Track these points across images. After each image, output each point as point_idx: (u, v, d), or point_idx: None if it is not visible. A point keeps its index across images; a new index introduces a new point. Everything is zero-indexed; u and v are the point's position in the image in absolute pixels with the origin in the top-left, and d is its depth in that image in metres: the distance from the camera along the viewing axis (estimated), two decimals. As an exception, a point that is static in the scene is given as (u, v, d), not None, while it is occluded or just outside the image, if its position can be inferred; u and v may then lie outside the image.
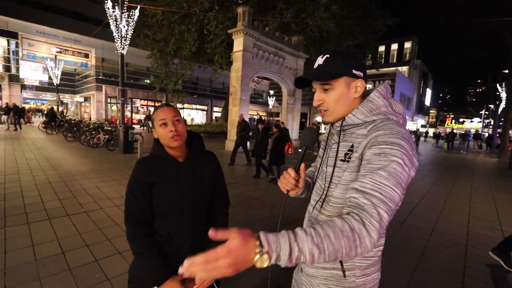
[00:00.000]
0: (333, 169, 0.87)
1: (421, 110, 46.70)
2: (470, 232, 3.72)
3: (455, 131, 21.95)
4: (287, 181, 0.93)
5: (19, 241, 2.72)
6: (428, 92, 51.07)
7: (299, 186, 0.95)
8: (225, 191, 1.28)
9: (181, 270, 0.51)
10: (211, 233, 0.53)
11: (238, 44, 10.60)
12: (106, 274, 2.24)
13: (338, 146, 0.87)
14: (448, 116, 79.32)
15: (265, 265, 0.54)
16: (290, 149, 10.45)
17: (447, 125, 57.91)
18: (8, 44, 20.66)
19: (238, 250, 0.51)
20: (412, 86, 38.69)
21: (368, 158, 0.72)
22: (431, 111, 60.82)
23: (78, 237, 2.88)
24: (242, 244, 0.52)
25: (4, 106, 15.71)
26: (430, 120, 59.75)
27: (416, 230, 3.69)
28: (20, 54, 21.28)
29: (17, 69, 21.17)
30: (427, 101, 51.23)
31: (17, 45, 21.01)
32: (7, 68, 20.71)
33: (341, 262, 0.83)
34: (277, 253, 0.54)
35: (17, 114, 14.75)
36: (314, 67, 0.86)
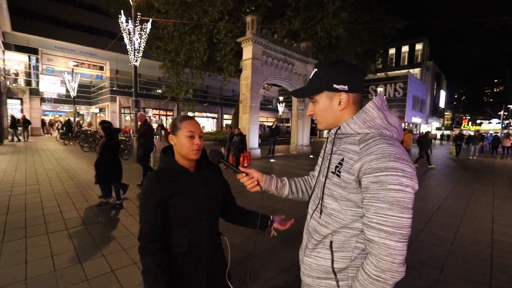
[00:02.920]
0: (325, 179, 0.91)
1: (436, 112, 45.52)
2: (495, 241, 3.54)
3: (465, 132, 19.06)
4: (247, 183, 1.08)
5: (39, 251, 2.80)
6: (442, 93, 49.80)
7: (260, 183, 1.10)
8: (230, 190, 1.38)
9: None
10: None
11: (247, 52, 10.73)
12: (122, 285, 2.25)
13: (330, 157, 0.91)
14: (464, 117, 76.80)
15: None
16: (246, 161, 8.24)
17: (463, 127, 56.06)
18: (29, 60, 21.73)
19: None
20: (425, 88, 37.85)
21: (366, 186, 0.76)
22: (446, 113, 59.24)
23: (94, 248, 2.93)
24: None
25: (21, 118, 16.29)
26: (446, 122, 58.10)
27: (436, 238, 3.55)
28: (40, 69, 22.30)
29: (37, 83, 22.17)
30: (442, 103, 49.92)
31: (37, 60, 22.06)
32: (28, 83, 21.74)
33: (334, 273, 0.86)
34: None
35: (15, 126, 14.94)
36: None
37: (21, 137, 15.30)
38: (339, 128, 0.89)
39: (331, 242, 0.87)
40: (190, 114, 25.74)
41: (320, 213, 0.91)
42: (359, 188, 0.79)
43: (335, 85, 0.85)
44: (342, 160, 0.84)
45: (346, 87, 0.85)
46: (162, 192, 1.04)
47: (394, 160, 0.72)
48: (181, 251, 1.07)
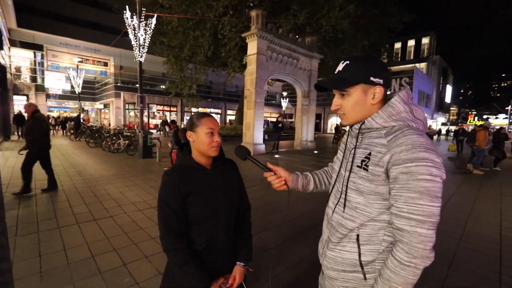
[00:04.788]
0: (349, 173, 0.90)
1: (441, 107, 44.94)
2: (503, 237, 3.52)
3: (466, 128, 15.47)
4: (275, 182, 1.05)
5: (52, 245, 2.85)
6: (448, 88, 49.07)
7: (288, 182, 1.07)
8: (246, 196, 1.32)
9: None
10: None
11: (252, 47, 10.66)
12: (135, 278, 2.30)
13: (355, 152, 0.90)
14: (470, 113, 75.70)
15: None
16: None
17: (469, 122, 55.27)
18: (35, 56, 21.91)
19: None
20: (431, 83, 37.34)
21: (396, 176, 0.76)
22: (451, 108, 58.41)
23: (106, 241, 2.98)
24: None
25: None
26: (451, 117, 57.37)
27: (444, 234, 3.54)
28: (45, 65, 22.48)
29: (43, 79, 22.37)
30: (448, 98, 49.21)
31: (42, 56, 22.23)
32: (33, 79, 21.94)
33: (361, 266, 0.86)
34: None
35: (19, 123, 14.38)
36: (335, 72, 0.91)
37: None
38: (363, 123, 0.87)
39: (357, 235, 0.87)
40: (193, 109, 25.81)
41: (344, 207, 0.91)
42: (387, 180, 0.79)
43: (372, 78, 0.83)
44: (369, 154, 0.84)
45: (381, 81, 0.84)
46: (181, 188, 1.05)
47: (424, 151, 0.73)
48: (199, 249, 1.08)
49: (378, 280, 0.81)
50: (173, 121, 8.31)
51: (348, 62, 0.87)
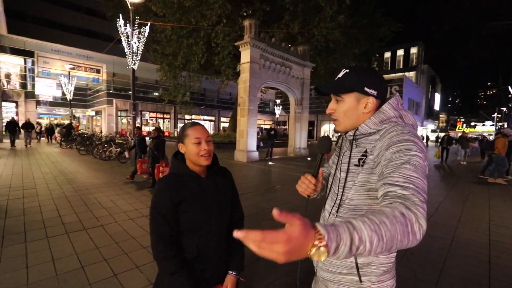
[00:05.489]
0: (346, 174, 0.91)
1: (431, 115, 46.00)
2: (492, 241, 3.59)
3: (452, 135, 14.83)
4: (306, 186, 0.98)
5: (40, 256, 2.77)
6: (437, 96, 50.36)
7: (317, 190, 1.01)
8: (240, 204, 1.32)
9: (235, 234, 0.48)
10: (275, 212, 0.48)
11: (245, 55, 10.79)
12: (125, 289, 2.25)
13: (350, 153, 0.92)
14: (458, 120, 77.74)
15: (323, 258, 0.49)
16: (162, 174, 5.88)
17: (458, 129, 56.71)
18: (25, 63, 21.63)
19: (298, 239, 0.47)
20: (420, 91, 38.28)
21: (389, 157, 0.75)
22: (440, 115, 59.82)
23: (96, 251, 2.92)
24: (302, 234, 0.47)
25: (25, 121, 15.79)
26: (440, 124, 58.72)
27: (435, 240, 3.59)
28: (35, 72, 22.19)
29: (33, 86, 22.04)
30: (436, 106, 50.45)
31: (33, 63, 21.96)
32: (23, 85, 21.59)
33: (357, 268, 0.87)
34: (336, 243, 0.49)
35: (12, 130, 13.73)
36: (335, 78, 0.95)
37: (18, 141, 14.80)
38: (357, 129, 0.91)
39: None
40: (187, 117, 25.78)
41: (338, 207, 0.93)
42: (375, 169, 0.81)
43: (366, 88, 0.88)
44: (365, 151, 0.87)
45: (375, 93, 0.88)
46: (173, 196, 1.05)
47: (414, 136, 0.78)
48: (190, 257, 1.08)
49: (364, 219, 0.56)
50: (138, 128, 8.00)
51: (348, 70, 0.91)
